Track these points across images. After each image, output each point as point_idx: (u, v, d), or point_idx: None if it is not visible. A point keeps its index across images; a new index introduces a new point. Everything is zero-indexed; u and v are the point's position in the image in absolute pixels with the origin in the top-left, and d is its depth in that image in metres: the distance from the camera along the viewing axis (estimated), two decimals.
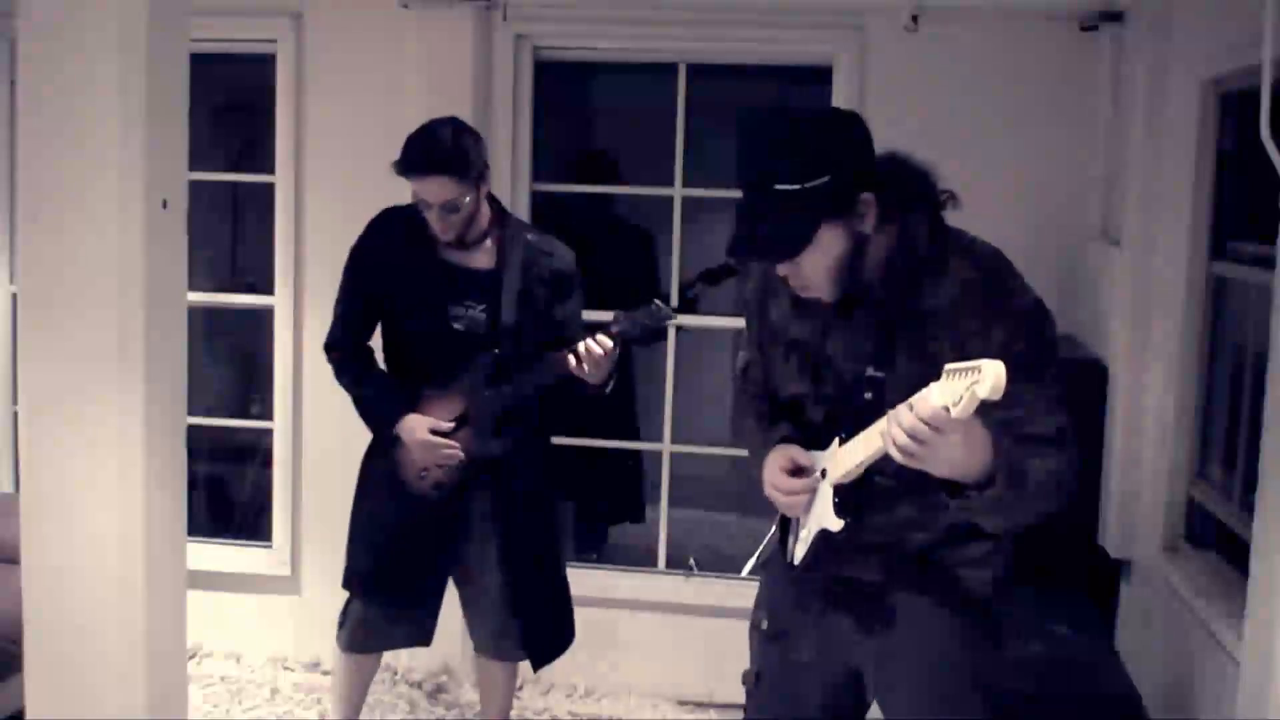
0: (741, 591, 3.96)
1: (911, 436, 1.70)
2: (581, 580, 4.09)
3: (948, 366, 1.66)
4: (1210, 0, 2.98)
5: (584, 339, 2.84)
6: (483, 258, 3.00)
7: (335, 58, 3.99)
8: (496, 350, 2.95)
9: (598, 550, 4.88)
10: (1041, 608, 3.15)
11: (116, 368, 2.21)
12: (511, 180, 3.98)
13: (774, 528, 2.24)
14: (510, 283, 2.98)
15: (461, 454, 2.95)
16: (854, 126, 1.92)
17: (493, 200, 3.04)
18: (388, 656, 4.00)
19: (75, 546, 2.25)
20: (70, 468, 2.24)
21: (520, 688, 3.95)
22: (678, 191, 4.03)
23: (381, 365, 3.13)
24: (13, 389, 4.20)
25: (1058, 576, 3.30)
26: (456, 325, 2.96)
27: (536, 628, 3.14)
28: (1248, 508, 2.53)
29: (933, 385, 1.68)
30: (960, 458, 1.74)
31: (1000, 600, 2.12)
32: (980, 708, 2.07)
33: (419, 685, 3.97)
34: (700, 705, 3.96)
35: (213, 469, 4.78)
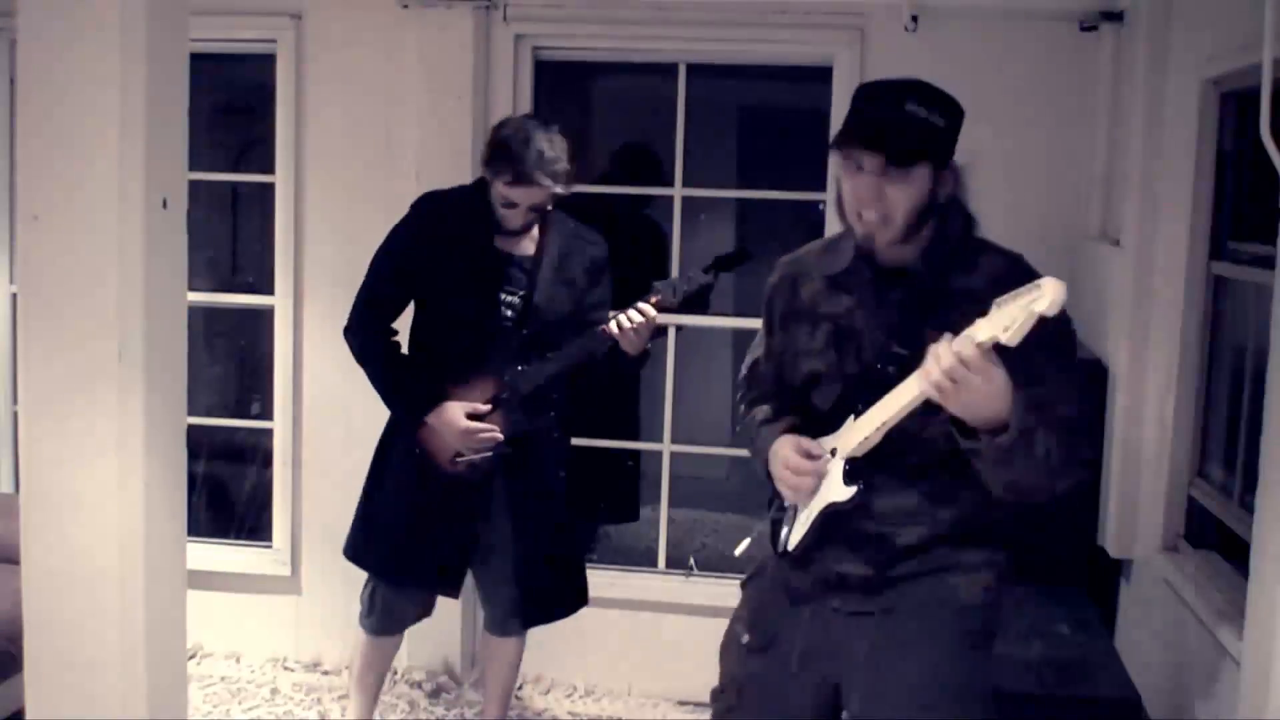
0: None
1: (949, 374, 1.77)
2: None
3: (996, 300, 1.74)
4: (1210, 0, 2.98)
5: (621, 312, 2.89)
6: (528, 244, 3.04)
7: (335, 58, 3.99)
8: (525, 330, 2.98)
9: (594, 550, 4.88)
10: (1041, 608, 3.15)
11: (116, 368, 2.21)
12: None
13: (769, 519, 2.24)
14: (549, 267, 3.02)
15: (500, 436, 2.98)
16: (962, 115, 2.04)
17: None
18: None
19: (75, 546, 2.25)
20: (70, 468, 2.24)
21: (520, 687, 3.96)
22: (678, 191, 4.04)
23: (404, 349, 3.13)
24: (13, 389, 4.21)
25: (1058, 576, 3.31)
26: (505, 311, 2.99)
27: (544, 590, 3.18)
28: (1248, 508, 2.53)
29: (978, 322, 1.75)
30: (983, 400, 1.81)
31: (993, 610, 2.12)
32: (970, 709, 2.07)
33: (419, 685, 3.96)
34: (700, 705, 3.95)
35: (213, 469, 4.78)
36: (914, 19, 3.67)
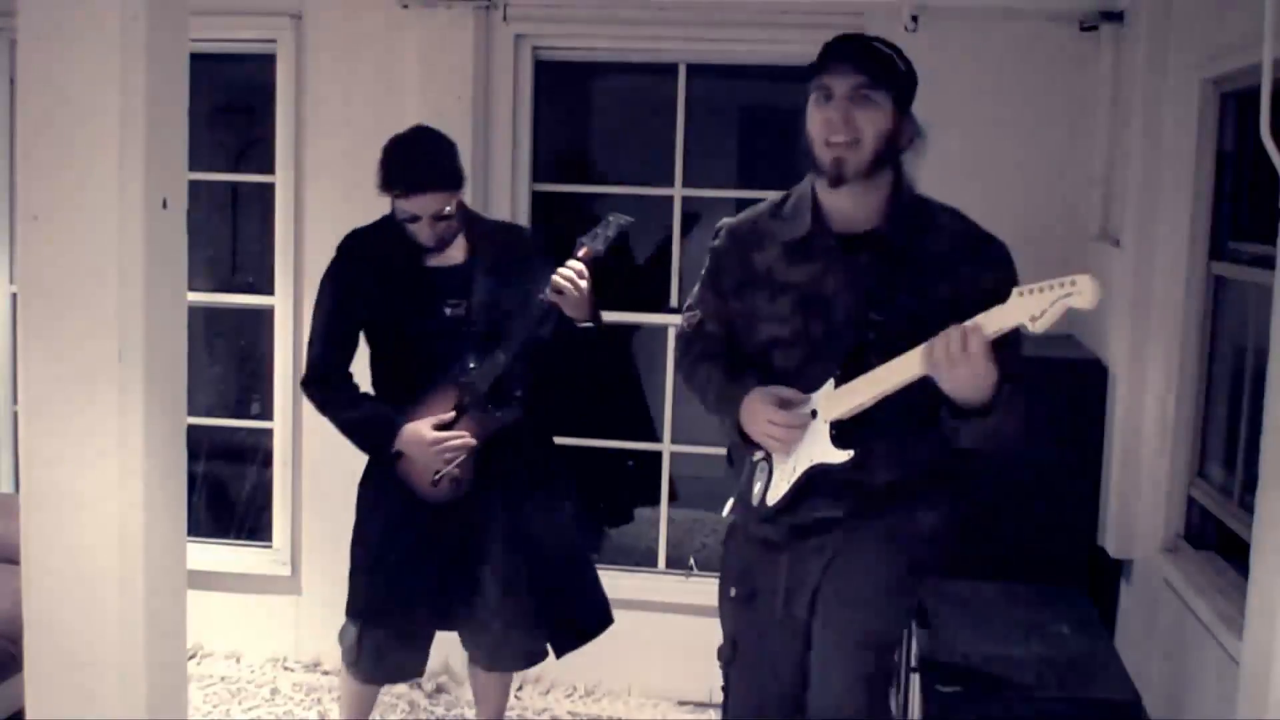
0: None
1: (954, 360, 1.87)
2: None
3: (1016, 289, 1.84)
4: (1210, 0, 2.98)
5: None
6: (456, 253, 3.00)
7: (335, 58, 3.99)
8: (475, 336, 2.95)
9: (595, 551, 4.88)
10: (1041, 608, 3.15)
11: (116, 368, 2.20)
12: (511, 180, 3.98)
13: (746, 471, 2.26)
14: (482, 268, 2.98)
15: (473, 441, 2.92)
16: (915, 82, 2.21)
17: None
18: None
19: (75, 546, 2.25)
20: (70, 468, 2.24)
21: (520, 687, 3.96)
22: (678, 191, 4.04)
23: (366, 388, 3.08)
24: (13, 389, 4.20)
25: (1058, 576, 3.31)
26: (451, 324, 2.95)
27: (561, 613, 3.10)
28: (1248, 508, 2.53)
29: (993, 311, 1.84)
30: (976, 385, 1.91)
31: (937, 541, 2.23)
32: (895, 620, 2.26)
33: (419, 685, 3.96)
34: (700, 705, 3.95)
35: (213, 469, 4.77)
36: (914, 19, 3.67)
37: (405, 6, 3.85)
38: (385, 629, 3.05)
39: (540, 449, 3.13)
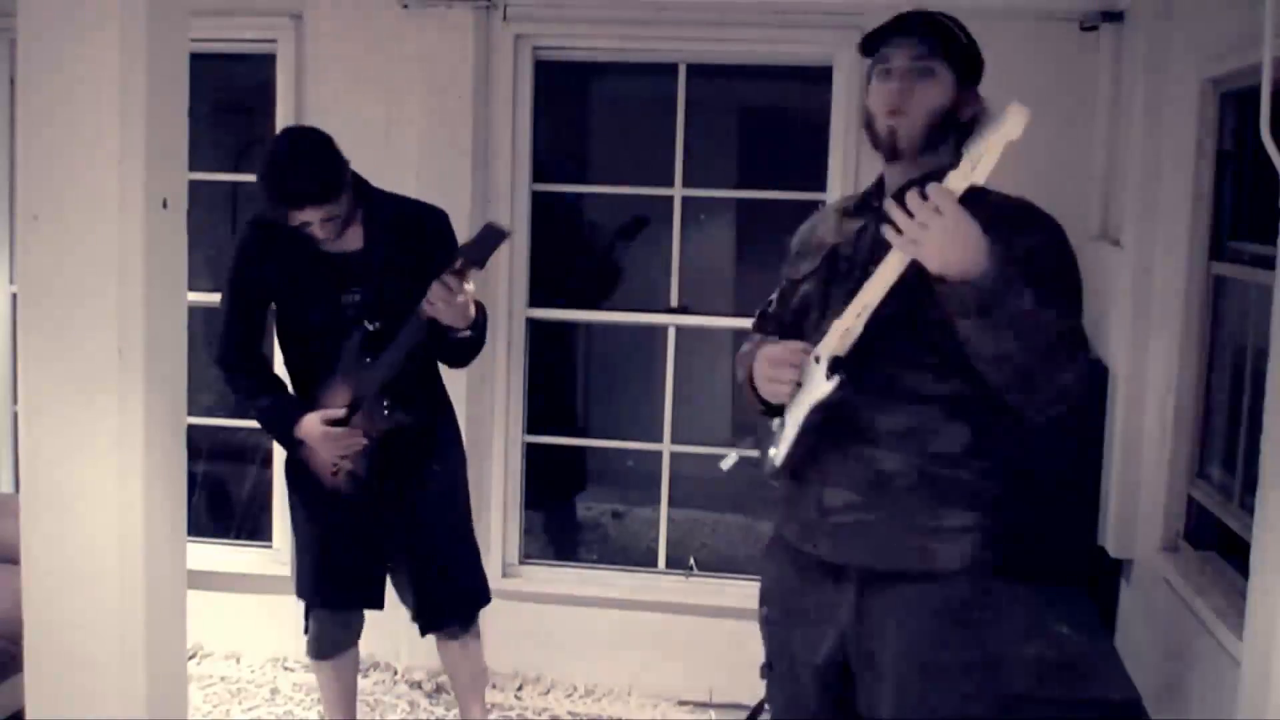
0: (741, 591, 3.97)
1: (921, 221, 1.79)
2: (582, 580, 4.11)
3: (964, 146, 1.81)
4: (1210, 0, 2.98)
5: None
6: (354, 239, 2.96)
7: (335, 58, 3.99)
8: (368, 324, 2.92)
9: (594, 550, 4.89)
10: (1041, 608, 3.15)
11: (116, 368, 2.21)
12: (511, 180, 3.98)
13: (763, 436, 2.19)
14: (379, 256, 2.95)
15: (364, 440, 2.94)
16: (980, 56, 2.21)
17: (355, 179, 2.96)
18: (387, 656, 4.02)
19: (75, 546, 2.25)
20: (70, 468, 2.24)
21: (520, 687, 3.96)
22: (678, 191, 4.03)
23: (280, 375, 3.12)
24: (13, 389, 4.20)
25: (1058, 576, 3.31)
26: (348, 311, 2.94)
27: (439, 591, 3.14)
28: (1248, 508, 2.53)
29: (949, 174, 1.80)
30: (958, 245, 1.80)
31: (976, 579, 2.08)
32: (951, 693, 2.05)
33: (419, 685, 3.97)
34: (700, 705, 3.96)
35: (213, 469, 4.77)
36: None
37: (405, 6, 3.85)
38: (324, 606, 3.16)
39: (436, 446, 3.12)
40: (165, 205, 2.25)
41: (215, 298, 4.33)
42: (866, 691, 2.11)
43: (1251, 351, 2.84)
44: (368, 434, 2.95)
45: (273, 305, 3.04)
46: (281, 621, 4.15)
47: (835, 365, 1.98)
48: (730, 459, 2.31)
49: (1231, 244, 3.00)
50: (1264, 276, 2.60)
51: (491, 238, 2.79)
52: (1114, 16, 3.59)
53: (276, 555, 4.16)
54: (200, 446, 4.49)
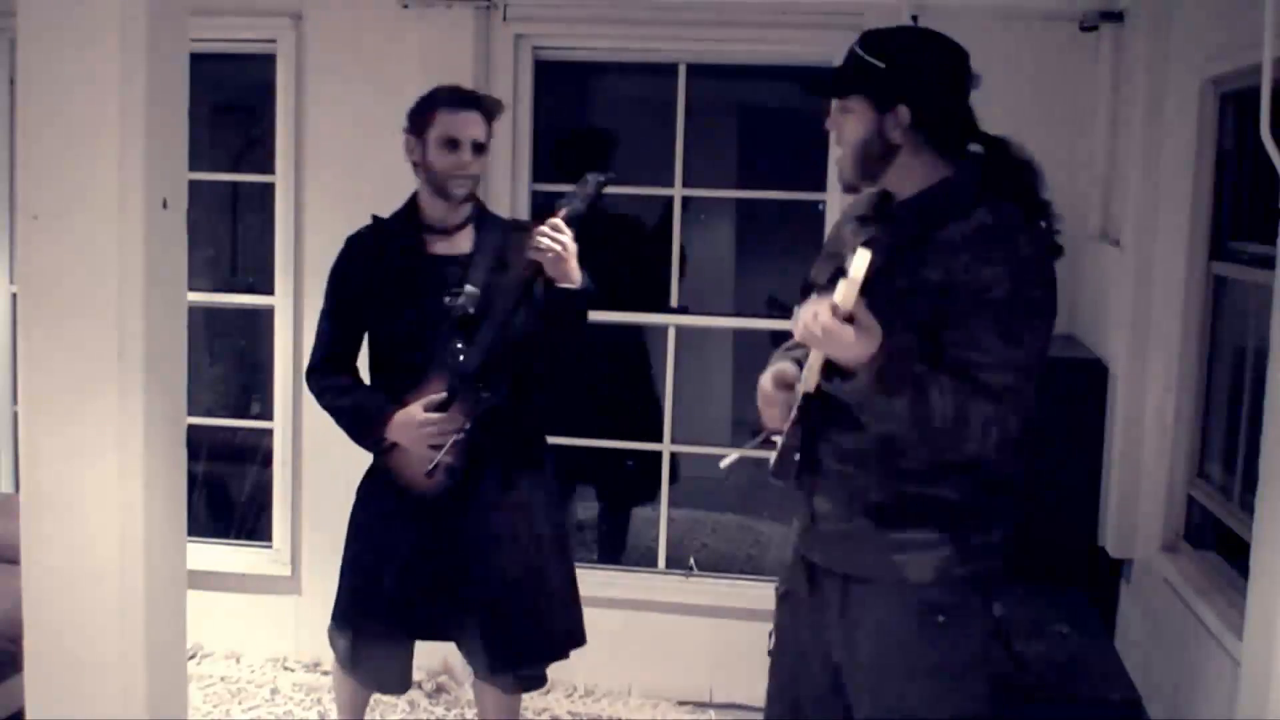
0: (741, 591, 3.98)
1: (811, 329, 1.89)
2: (582, 580, 4.10)
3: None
4: (1210, 0, 2.98)
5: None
6: (463, 242, 2.98)
7: (335, 58, 3.99)
8: (469, 307, 2.89)
9: (594, 549, 4.88)
10: (1041, 608, 3.15)
11: (116, 368, 2.20)
12: (511, 180, 3.98)
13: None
14: (484, 259, 2.95)
15: (464, 425, 2.83)
16: (937, 53, 2.16)
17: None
18: None
19: (75, 546, 2.25)
20: (70, 468, 2.24)
21: None
22: (678, 191, 4.04)
23: (365, 379, 3.05)
24: (13, 389, 4.21)
25: (1058, 576, 3.31)
26: (453, 312, 2.91)
27: (525, 623, 2.99)
28: (1248, 508, 2.53)
29: (840, 282, 1.86)
30: (851, 348, 1.89)
31: (947, 590, 2.11)
32: (930, 701, 2.11)
33: (419, 685, 3.96)
34: (700, 705, 3.96)
35: (213, 469, 4.78)
36: (914, 19, 3.66)
37: (405, 6, 3.85)
38: (364, 636, 3.00)
39: (529, 442, 3.06)
40: (165, 205, 2.25)
41: (215, 298, 4.33)
42: (851, 694, 2.20)
43: (1251, 351, 2.84)
44: (465, 417, 2.83)
45: (366, 319, 3.00)
46: (281, 621, 4.16)
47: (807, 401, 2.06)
48: (731, 458, 2.32)
49: (1231, 244, 3.00)
50: (1264, 276, 2.60)
51: (592, 185, 2.87)
52: (1114, 17, 3.59)
53: (276, 555, 4.16)
54: (200, 446, 4.50)
